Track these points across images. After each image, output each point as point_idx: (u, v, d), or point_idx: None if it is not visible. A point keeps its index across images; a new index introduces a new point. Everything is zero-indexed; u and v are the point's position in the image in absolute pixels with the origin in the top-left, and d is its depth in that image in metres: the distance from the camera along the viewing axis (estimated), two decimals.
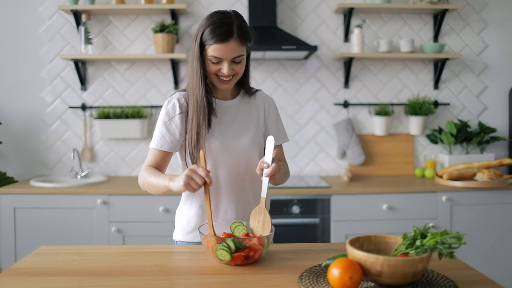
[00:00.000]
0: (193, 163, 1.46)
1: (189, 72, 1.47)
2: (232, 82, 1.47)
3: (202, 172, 1.27)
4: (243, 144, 1.49)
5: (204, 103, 1.44)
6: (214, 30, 1.38)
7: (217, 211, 1.50)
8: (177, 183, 1.30)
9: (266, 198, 1.36)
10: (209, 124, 1.45)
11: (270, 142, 1.37)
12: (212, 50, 1.39)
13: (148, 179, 1.43)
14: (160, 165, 1.50)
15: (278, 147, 1.61)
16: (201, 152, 1.35)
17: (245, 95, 1.59)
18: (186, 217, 1.54)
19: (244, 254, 1.22)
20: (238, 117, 1.53)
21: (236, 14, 1.44)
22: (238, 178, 1.50)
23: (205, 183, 1.28)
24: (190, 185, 1.27)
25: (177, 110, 1.49)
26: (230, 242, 1.22)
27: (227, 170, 1.49)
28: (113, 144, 3.27)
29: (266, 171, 1.34)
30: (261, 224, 1.36)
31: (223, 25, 1.38)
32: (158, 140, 1.49)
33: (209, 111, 1.45)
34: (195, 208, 1.52)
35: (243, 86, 1.57)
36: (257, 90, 1.62)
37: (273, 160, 1.34)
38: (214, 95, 1.53)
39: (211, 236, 1.27)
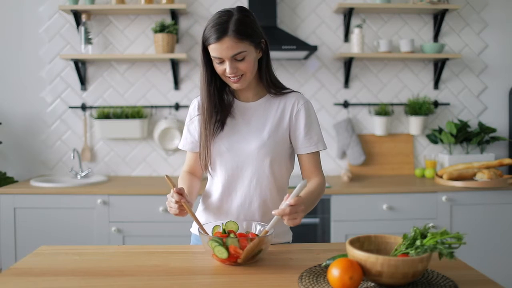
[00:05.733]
0: (202, 164, 1.50)
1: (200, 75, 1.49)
2: (243, 81, 1.40)
3: (169, 197, 1.36)
4: (250, 149, 1.44)
5: (205, 107, 1.45)
6: (209, 30, 1.35)
7: (220, 211, 1.51)
8: None
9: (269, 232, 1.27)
10: (221, 126, 1.45)
11: (301, 184, 1.22)
12: (211, 50, 1.36)
13: None
14: (192, 166, 1.58)
15: (309, 156, 1.51)
16: (165, 176, 1.39)
17: (272, 96, 1.49)
18: (198, 212, 1.60)
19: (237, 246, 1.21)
20: (253, 121, 1.47)
21: (239, 10, 1.37)
22: (243, 182, 1.47)
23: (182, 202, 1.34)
24: (173, 211, 1.37)
25: (196, 112, 1.52)
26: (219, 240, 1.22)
27: (231, 173, 1.47)
28: (113, 144, 3.27)
29: (276, 210, 1.21)
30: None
31: (217, 23, 1.34)
32: (182, 141, 1.57)
33: (211, 114, 1.45)
34: (201, 206, 1.60)
35: (266, 85, 1.48)
36: (292, 91, 1.50)
37: (293, 202, 1.20)
38: (236, 96, 1.51)
39: (205, 235, 1.28)
